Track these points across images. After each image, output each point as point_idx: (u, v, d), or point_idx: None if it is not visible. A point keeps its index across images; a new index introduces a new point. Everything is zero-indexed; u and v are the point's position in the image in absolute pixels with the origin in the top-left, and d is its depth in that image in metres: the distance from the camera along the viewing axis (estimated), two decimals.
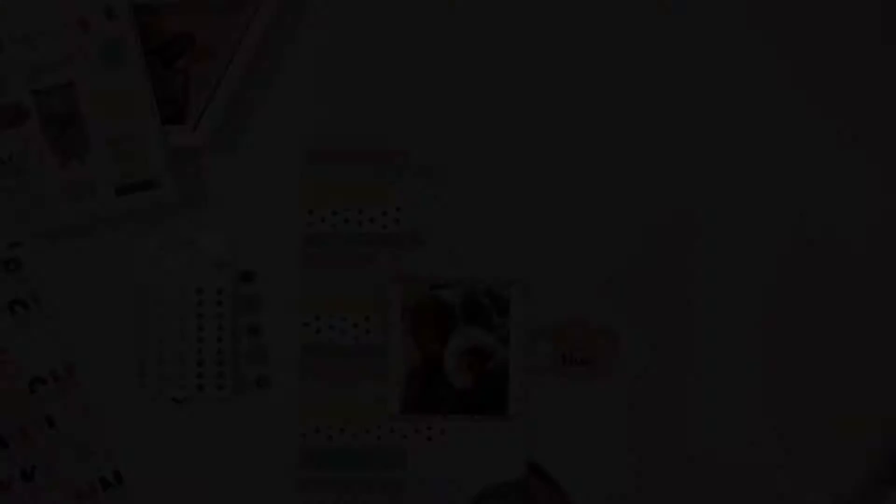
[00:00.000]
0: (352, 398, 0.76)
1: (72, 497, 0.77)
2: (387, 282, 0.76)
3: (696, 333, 0.77)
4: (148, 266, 0.75)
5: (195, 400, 0.77)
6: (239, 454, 0.77)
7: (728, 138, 0.77)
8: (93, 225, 0.75)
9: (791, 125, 0.77)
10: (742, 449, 0.77)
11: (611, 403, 0.77)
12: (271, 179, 0.77)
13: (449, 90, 0.77)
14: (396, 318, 0.75)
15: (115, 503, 0.77)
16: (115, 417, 0.77)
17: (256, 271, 0.77)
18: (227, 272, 0.76)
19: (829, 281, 0.78)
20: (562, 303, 0.77)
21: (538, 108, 0.77)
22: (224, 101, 0.71)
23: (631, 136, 0.77)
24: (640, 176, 0.77)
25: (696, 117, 0.77)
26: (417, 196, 0.76)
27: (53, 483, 0.76)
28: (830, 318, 0.78)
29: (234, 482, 0.76)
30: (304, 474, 0.76)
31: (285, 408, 0.77)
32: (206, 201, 0.77)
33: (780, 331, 0.78)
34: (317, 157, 0.76)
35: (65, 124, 0.69)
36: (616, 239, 0.77)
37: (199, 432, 0.77)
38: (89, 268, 0.76)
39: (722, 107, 0.77)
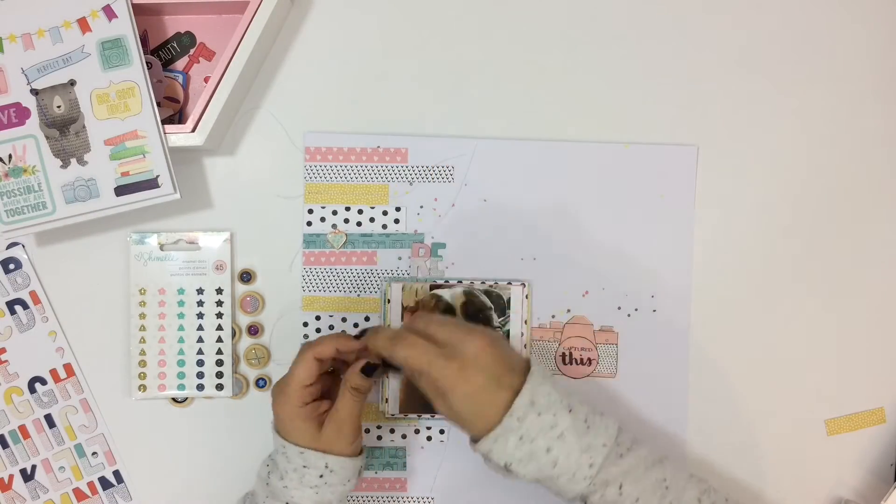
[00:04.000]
0: None
1: (72, 497, 0.77)
2: (387, 282, 0.76)
3: (696, 333, 0.77)
4: (148, 266, 0.75)
5: (195, 400, 0.77)
6: (239, 454, 0.77)
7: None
8: (93, 225, 0.75)
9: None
10: (742, 449, 0.77)
11: (610, 403, 0.77)
12: (271, 179, 0.77)
13: (449, 89, 0.77)
14: (396, 318, 0.75)
15: (115, 503, 0.77)
16: (115, 417, 0.77)
17: (256, 271, 0.77)
18: (227, 272, 0.76)
19: (824, 281, 0.78)
20: (562, 303, 0.77)
21: (538, 106, 0.77)
22: (223, 102, 0.71)
23: (631, 135, 0.77)
24: (640, 175, 0.77)
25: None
26: (417, 196, 0.77)
27: (53, 483, 0.76)
28: (828, 317, 0.78)
29: (234, 482, 0.76)
30: None
31: None
32: (207, 201, 0.77)
33: (779, 329, 0.78)
34: (317, 156, 0.76)
35: (65, 124, 0.69)
36: (615, 239, 0.77)
37: (199, 432, 0.77)
38: (89, 268, 0.76)
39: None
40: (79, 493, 0.77)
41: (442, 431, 0.77)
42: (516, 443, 0.61)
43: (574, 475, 0.61)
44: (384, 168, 0.76)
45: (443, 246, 0.77)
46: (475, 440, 0.63)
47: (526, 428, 0.61)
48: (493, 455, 0.62)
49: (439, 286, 0.76)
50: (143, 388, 0.76)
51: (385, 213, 0.77)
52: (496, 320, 0.75)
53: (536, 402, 0.61)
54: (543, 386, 0.62)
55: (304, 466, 0.65)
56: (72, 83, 0.69)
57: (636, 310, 0.77)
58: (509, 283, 0.76)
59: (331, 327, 0.76)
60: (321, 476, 0.65)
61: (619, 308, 0.77)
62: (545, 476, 0.62)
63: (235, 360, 0.77)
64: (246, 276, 0.76)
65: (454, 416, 0.63)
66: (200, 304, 0.76)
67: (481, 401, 0.61)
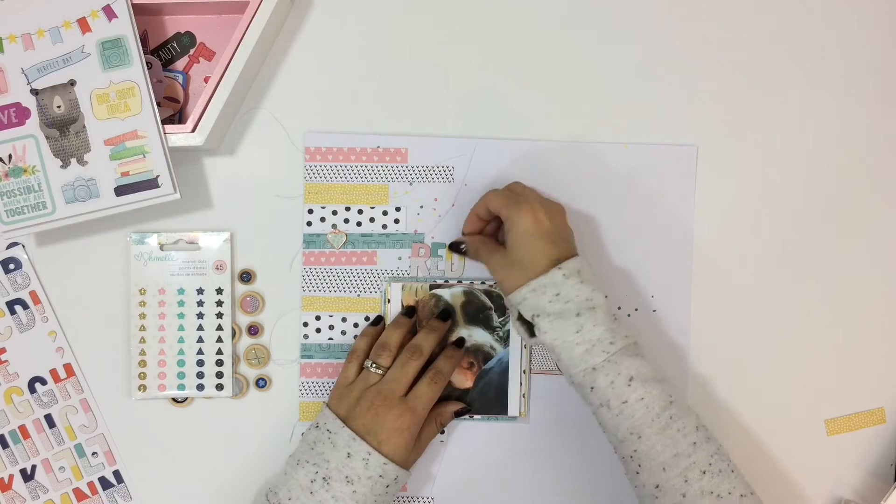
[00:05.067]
0: None
1: (72, 497, 0.77)
2: (387, 282, 0.76)
3: (696, 333, 0.77)
4: (148, 266, 0.75)
5: (195, 400, 0.77)
6: (239, 454, 0.77)
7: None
8: (93, 225, 0.75)
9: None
10: (742, 448, 0.77)
11: None
12: (271, 179, 0.77)
13: (449, 89, 0.77)
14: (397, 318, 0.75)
15: (115, 503, 0.77)
16: (115, 417, 0.77)
17: (256, 271, 0.77)
18: (227, 272, 0.76)
19: (824, 281, 0.78)
20: None
21: (537, 106, 0.77)
22: (223, 102, 0.71)
23: (635, 136, 0.77)
24: (640, 175, 0.77)
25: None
26: (417, 196, 0.77)
27: (53, 483, 0.76)
28: (828, 316, 0.78)
29: (234, 482, 0.76)
30: None
31: (285, 408, 0.77)
32: (207, 201, 0.77)
33: (779, 330, 0.78)
34: (317, 156, 0.76)
35: (65, 124, 0.69)
36: (615, 239, 0.77)
37: (199, 432, 0.77)
38: (89, 268, 0.76)
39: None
40: (79, 493, 0.77)
41: (442, 432, 0.77)
42: (552, 297, 0.65)
43: (593, 347, 0.64)
44: (384, 168, 0.77)
45: (443, 246, 0.77)
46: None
47: (566, 287, 0.65)
48: (526, 305, 0.66)
49: (439, 286, 0.76)
50: (143, 388, 0.76)
51: (385, 213, 0.77)
52: (496, 320, 0.75)
53: (583, 272, 0.66)
54: (591, 268, 0.68)
55: (381, 476, 0.66)
56: (72, 83, 0.69)
57: (636, 310, 0.77)
58: None
59: (331, 327, 0.76)
60: (387, 486, 0.67)
61: (620, 308, 0.77)
62: (564, 341, 0.65)
63: (235, 360, 0.77)
64: (246, 276, 0.76)
65: (506, 262, 0.68)
66: (200, 304, 0.76)
67: (536, 246, 0.66)
